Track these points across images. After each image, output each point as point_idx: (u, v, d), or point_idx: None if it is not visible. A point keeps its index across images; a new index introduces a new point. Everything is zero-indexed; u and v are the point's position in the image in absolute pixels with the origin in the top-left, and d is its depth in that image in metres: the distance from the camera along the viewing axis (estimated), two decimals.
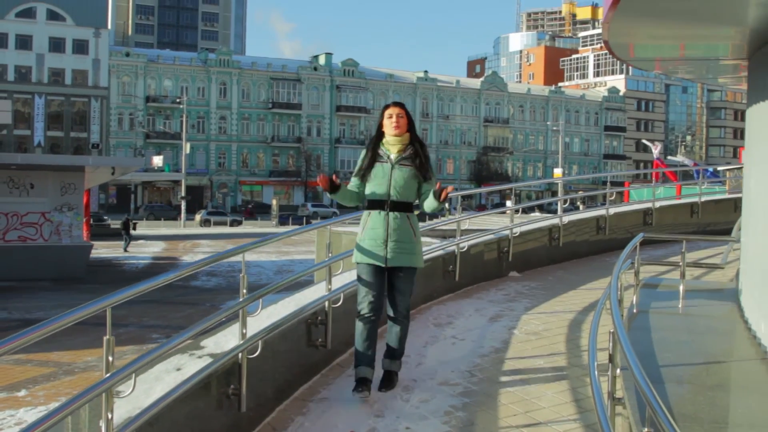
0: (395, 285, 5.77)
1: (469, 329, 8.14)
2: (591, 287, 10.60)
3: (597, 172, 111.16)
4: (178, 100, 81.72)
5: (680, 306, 7.55)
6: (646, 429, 3.11)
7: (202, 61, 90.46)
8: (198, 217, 70.80)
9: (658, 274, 10.79)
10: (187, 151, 72.81)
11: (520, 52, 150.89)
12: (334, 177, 5.71)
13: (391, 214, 5.67)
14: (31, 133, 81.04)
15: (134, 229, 49.66)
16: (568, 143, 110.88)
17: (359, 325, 5.70)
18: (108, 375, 3.52)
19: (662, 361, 5.44)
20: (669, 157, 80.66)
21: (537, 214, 16.71)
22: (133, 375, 3.80)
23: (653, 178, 18.97)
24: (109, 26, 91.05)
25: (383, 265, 5.68)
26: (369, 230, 5.72)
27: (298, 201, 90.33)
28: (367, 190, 5.80)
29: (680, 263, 8.38)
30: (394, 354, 5.95)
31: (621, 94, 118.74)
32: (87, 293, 22.06)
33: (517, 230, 11.99)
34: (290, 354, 6.00)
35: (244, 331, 5.05)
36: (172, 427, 4.28)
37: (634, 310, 7.21)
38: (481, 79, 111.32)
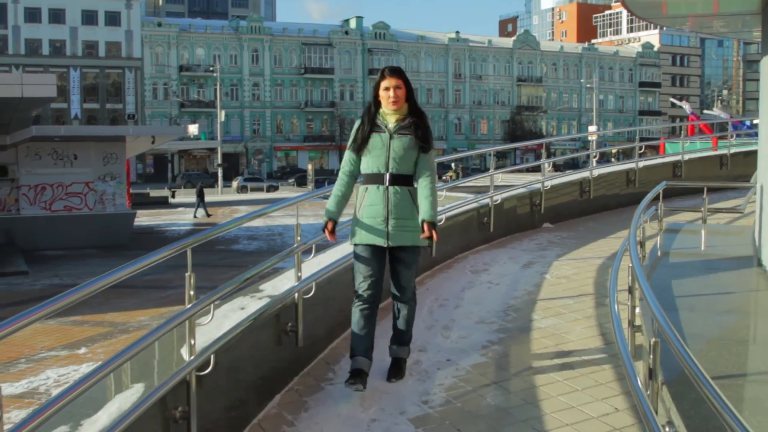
0: (399, 264, 5.30)
1: (504, 275, 8.68)
2: (620, 236, 10.90)
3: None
4: (211, 69, 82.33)
5: (701, 247, 8.00)
6: (653, 339, 3.62)
7: (234, 28, 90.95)
8: (235, 183, 71.62)
9: (685, 222, 11.21)
10: (222, 118, 73.60)
11: (552, 9, 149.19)
12: (329, 225, 5.25)
13: (391, 188, 5.15)
14: (67, 106, 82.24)
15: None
16: (603, 100, 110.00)
17: (356, 312, 5.27)
18: (190, 305, 4.08)
19: (678, 292, 5.94)
20: (705, 111, 79.93)
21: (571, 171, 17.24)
22: (212, 306, 4.37)
23: (687, 132, 19.11)
24: None
25: (384, 245, 5.21)
26: (367, 208, 5.21)
27: (333, 165, 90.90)
28: (363, 164, 5.28)
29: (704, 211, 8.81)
30: (402, 339, 5.52)
31: (655, 49, 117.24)
32: (134, 259, 22.69)
33: (549, 184, 12.46)
34: (339, 298, 6.52)
35: (299, 274, 5.61)
36: (242, 356, 4.88)
37: (658, 253, 7.68)
38: (513, 38, 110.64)
